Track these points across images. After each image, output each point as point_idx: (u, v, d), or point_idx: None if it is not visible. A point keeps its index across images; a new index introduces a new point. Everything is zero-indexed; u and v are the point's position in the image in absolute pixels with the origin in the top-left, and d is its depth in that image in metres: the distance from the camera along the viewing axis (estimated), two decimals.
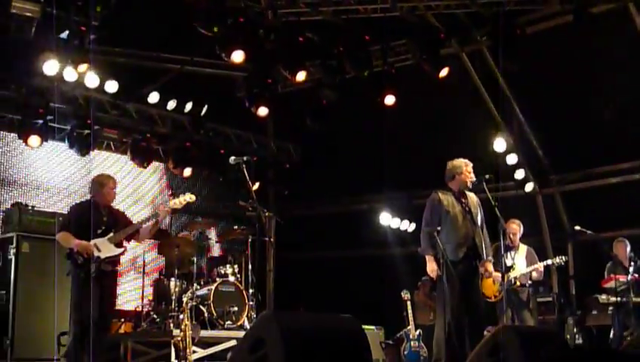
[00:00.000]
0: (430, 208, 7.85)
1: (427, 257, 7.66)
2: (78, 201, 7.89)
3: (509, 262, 9.06)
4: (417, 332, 11.10)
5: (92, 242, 7.42)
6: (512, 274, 9.34)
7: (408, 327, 11.14)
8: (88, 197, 7.93)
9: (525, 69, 10.16)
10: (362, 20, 10.74)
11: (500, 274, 8.57)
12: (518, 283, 9.46)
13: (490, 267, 8.08)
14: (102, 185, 7.77)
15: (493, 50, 11.37)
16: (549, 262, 9.77)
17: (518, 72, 10.29)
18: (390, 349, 11.34)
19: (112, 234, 7.58)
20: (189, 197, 7.80)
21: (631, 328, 9.72)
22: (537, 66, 10.95)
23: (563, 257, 9.79)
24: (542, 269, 9.60)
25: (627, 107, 11.14)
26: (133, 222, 7.94)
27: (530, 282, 9.63)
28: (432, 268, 7.61)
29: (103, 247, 7.47)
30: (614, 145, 11.80)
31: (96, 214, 7.60)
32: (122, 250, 7.70)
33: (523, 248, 9.73)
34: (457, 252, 7.67)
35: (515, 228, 9.70)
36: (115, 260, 7.63)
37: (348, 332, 5.37)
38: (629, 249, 10.08)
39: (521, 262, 9.56)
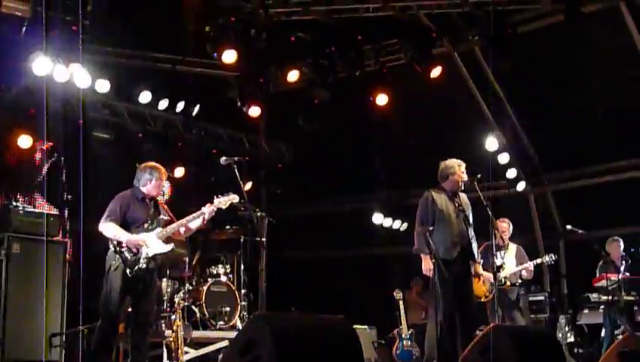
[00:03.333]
0: (423, 207, 7.84)
1: (423, 256, 7.65)
2: (123, 191, 7.27)
3: (498, 262, 9.06)
4: (409, 331, 11.10)
5: (141, 237, 7.05)
6: (502, 274, 9.33)
7: (400, 327, 11.14)
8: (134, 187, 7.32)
9: (517, 69, 10.19)
10: (354, 20, 10.73)
11: (490, 274, 8.60)
12: (508, 283, 9.47)
13: (480, 269, 8.11)
14: (152, 175, 7.25)
15: (485, 49, 11.41)
16: (539, 260, 9.78)
17: (509, 71, 10.31)
18: (382, 349, 11.34)
19: (159, 230, 7.13)
20: (233, 198, 7.41)
21: (622, 326, 9.77)
22: (529, 66, 10.99)
23: (552, 256, 9.82)
24: (532, 268, 9.60)
25: (618, 106, 11.17)
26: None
27: (520, 281, 9.64)
28: (427, 266, 7.58)
29: (152, 243, 7.06)
30: (606, 144, 11.83)
31: (143, 207, 7.22)
32: (171, 246, 7.25)
33: (512, 247, 9.74)
34: (452, 251, 7.68)
35: (505, 227, 9.70)
36: (159, 257, 7.19)
37: (339, 334, 5.37)
38: (622, 248, 10.10)
39: (510, 262, 9.57)
